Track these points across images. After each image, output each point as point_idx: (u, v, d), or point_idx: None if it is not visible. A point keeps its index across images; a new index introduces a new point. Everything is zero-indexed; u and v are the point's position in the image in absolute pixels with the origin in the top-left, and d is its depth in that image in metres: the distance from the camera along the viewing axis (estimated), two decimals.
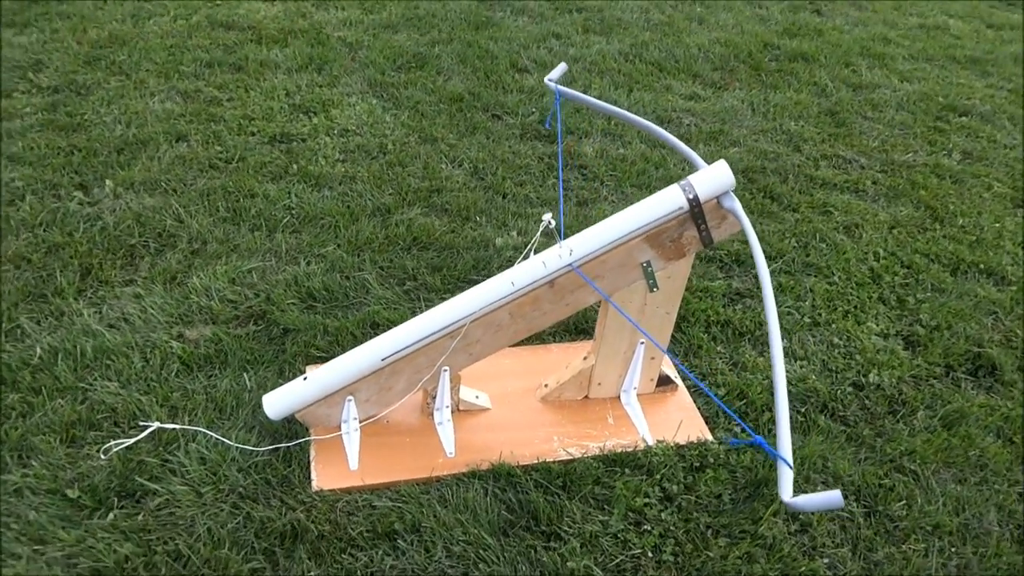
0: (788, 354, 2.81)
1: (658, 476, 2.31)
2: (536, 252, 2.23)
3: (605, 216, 2.32)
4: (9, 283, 2.80)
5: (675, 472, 2.31)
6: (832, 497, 1.51)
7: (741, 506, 2.24)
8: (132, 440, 2.24)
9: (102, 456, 2.20)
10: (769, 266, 3.19)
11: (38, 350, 2.52)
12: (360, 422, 2.38)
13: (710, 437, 2.47)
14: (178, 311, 2.74)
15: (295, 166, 3.64)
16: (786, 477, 1.57)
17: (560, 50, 5.18)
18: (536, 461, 2.33)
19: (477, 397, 2.54)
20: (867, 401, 2.65)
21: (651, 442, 2.43)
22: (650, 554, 2.10)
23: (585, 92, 4.62)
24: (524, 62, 4.95)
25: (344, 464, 2.28)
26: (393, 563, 2.02)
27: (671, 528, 2.17)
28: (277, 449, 2.27)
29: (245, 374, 2.51)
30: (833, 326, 2.96)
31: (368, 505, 2.15)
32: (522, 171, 3.77)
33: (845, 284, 3.18)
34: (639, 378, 2.58)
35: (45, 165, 3.49)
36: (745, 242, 3.37)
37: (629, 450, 2.40)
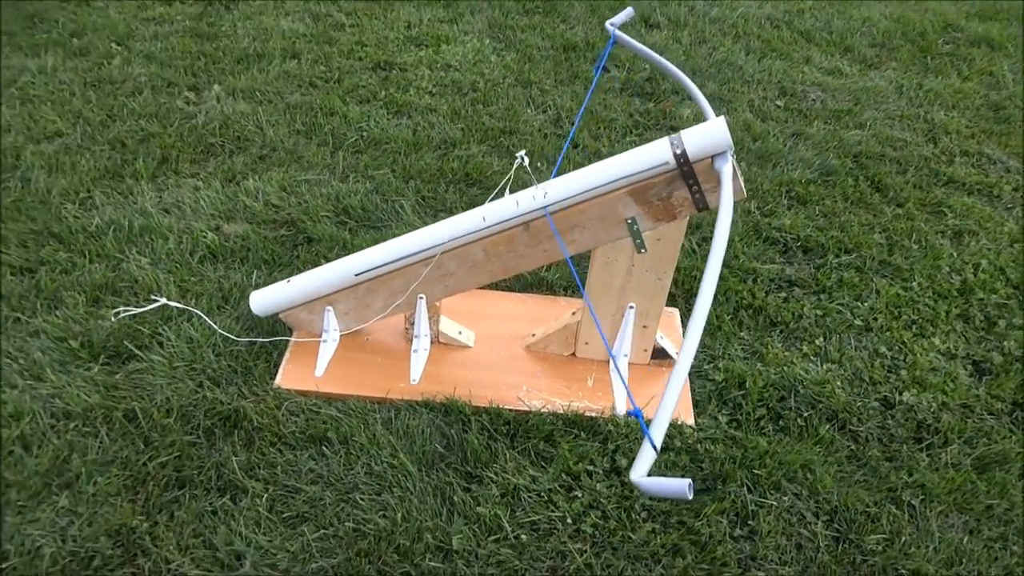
0: (821, 353, 2.51)
1: (612, 447, 2.17)
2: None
3: None
4: (100, 160, 3.15)
5: (632, 447, 2.17)
6: (678, 486, 1.34)
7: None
8: (139, 310, 2.46)
9: (112, 318, 2.44)
10: (839, 258, 2.87)
11: (96, 219, 2.82)
12: (341, 334, 2.45)
13: (690, 421, 2.28)
14: (225, 207, 2.94)
15: (384, 93, 3.74)
16: (646, 456, 1.41)
17: (702, 9, 4.86)
18: (490, 405, 2.28)
19: (460, 333, 2.52)
20: (890, 421, 2.31)
21: (620, 412, 2.29)
22: (570, 520, 2.00)
23: (712, 53, 4.33)
24: (657, 18, 4.70)
25: (311, 369, 2.36)
26: (312, 466, 2.07)
27: (602, 500, 2.04)
28: (254, 343, 2.39)
29: (256, 272, 2.66)
30: (887, 334, 2.59)
31: (313, 410, 2.22)
32: (605, 125, 3.62)
33: (922, 292, 2.76)
34: (629, 345, 2.42)
35: (171, 66, 3.85)
36: (820, 228, 3.03)
37: (594, 415, 2.27)
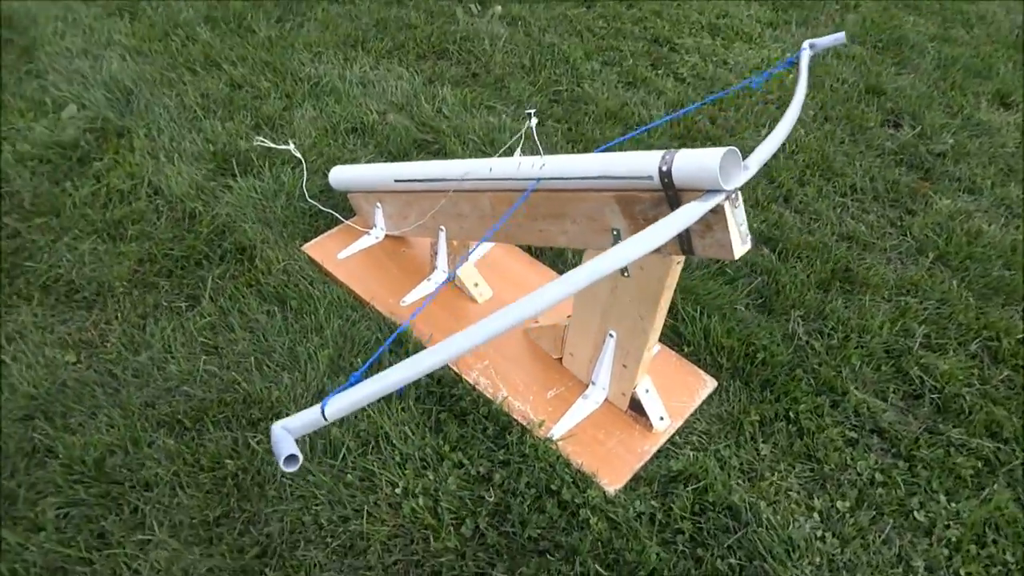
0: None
1: (502, 458, 1.94)
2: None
3: None
4: (354, 32, 3.58)
5: (532, 474, 1.91)
6: (280, 448, 1.20)
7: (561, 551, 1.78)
8: (272, 146, 2.81)
9: (254, 142, 2.83)
10: None
11: (309, 69, 3.25)
12: (385, 235, 2.53)
13: (614, 488, 1.92)
14: (406, 100, 3.15)
15: (633, 63, 3.57)
16: (310, 416, 1.26)
17: None
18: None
19: (476, 285, 2.41)
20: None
21: (555, 435, 2.02)
22: (398, 491, 1.86)
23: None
24: None
25: (338, 250, 2.49)
26: (259, 318, 2.22)
27: (440, 495, 1.85)
28: (313, 208, 2.59)
29: (378, 158, 2.84)
30: None
31: (303, 278, 2.35)
32: (835, 177, 3.02)
33: None
34: (606, 379, 2.10)
35: None
36: None
37: (521, 425, 2.04)
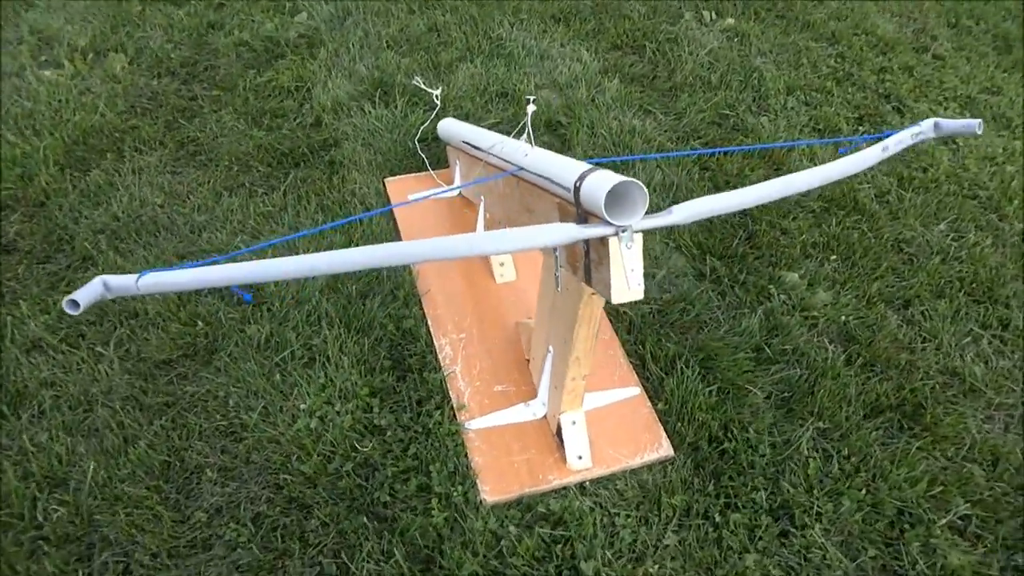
0: None
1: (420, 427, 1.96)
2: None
3: None
4: (566, 11, 3.62)
5: (446, 461, 1.91)
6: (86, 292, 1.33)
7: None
8: (422, 86, 3.00)
9: (413, 80, 3.05)
10: None
11: (500, 32, 3.37)
12: (459, 192, 2.61)
13: (490, 499, 1.83)
14: (571, 82, 3.14)
15: None
16: (126, 281, 1.39)
17: None
18: (426, 317, 2.22)
19: (502, 265, 2.39)
20: None
21: (468, 426, 1.98)
22: (305, 420, 1.98)
23: None
24: None
25: (417, 191, 2.61)
26: (309, 225, 2.44)
27: (343, 432, 1.93)
28: (415, 140, 2.74)
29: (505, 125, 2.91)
30: None
31: (365, 205, 2.52)
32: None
33: None
34: (545, 394, 1.97)
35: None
36: None
37: (446, 399, 2.02)
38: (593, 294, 1.60)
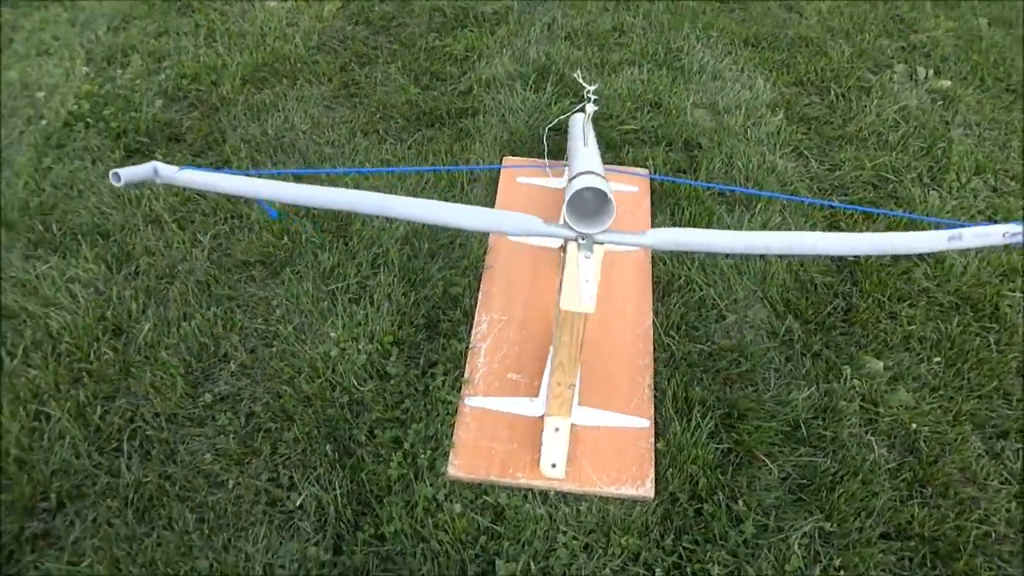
0: None
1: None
2: None
3: None
4: (762, 36, 3.42)
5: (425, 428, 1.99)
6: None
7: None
8: (580, 81, 3.02)
9: (574, 74, 3.09)
10: None
11: (681, 46, 3.28)
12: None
13: (454, 472, 1.87)
14: (730, 107, 3.00)
15: None
16: (171, 170, 1.60)
17: None
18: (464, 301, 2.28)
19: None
20: None
21: (458, 394, 2.02)
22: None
23: None
24: None
25: (526, 173, 2.65)
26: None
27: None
28: (547, 128, 2.78)
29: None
30: None
31: (474, 178, 2.62)
32: None
33: None
34: (544, 393, 1.95)
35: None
36: None
37: (455, 370, 2.07)
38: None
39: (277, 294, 2.22)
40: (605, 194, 1.29)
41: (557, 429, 1.89)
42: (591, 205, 1.37)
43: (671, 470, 1.87)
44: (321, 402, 1.97)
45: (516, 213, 1.38)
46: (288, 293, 2.22)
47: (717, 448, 1.90)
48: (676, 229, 1.35)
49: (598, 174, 1.43)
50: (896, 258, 2.38)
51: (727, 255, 2.35)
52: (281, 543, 1.71)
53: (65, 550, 1.68)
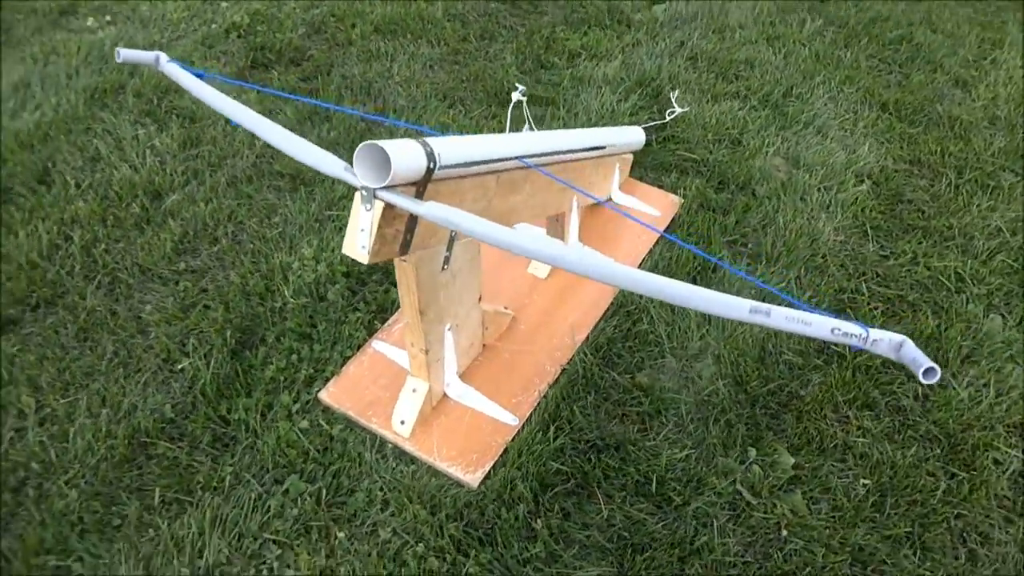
0: None
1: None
2: None
3: None
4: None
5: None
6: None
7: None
8: (673, 102, 2.97)
9: (673, 95, 3.03)
10: None
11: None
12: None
13: (324, 397, 2.03)
14: (823, 130, 2.76)
15: None
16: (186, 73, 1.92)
17: None
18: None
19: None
20: None
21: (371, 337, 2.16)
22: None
23: None
24: None
25: None
26: None
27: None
28: None
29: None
30: None
31: None
32: None
33: None
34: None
35: None
36: None
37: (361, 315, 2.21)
38: (401, 259, 1.64)
39: (286, 205, 2.51)
40: (387, 154, 1.35)
41: (414, 390, 1.96)
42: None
43: (504, 468, 1.87)
44: (258, 298, 2.22)
45: (329, 154, 1.48)
46: (294, 207, 2.50)
47: (558, 468, 1.86)
48: (453, 209, 1.37)
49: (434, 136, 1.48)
50: (885, 363, 2.09)
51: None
52: (152, 394, 1.99)
53: (18, 335, 2.11)
